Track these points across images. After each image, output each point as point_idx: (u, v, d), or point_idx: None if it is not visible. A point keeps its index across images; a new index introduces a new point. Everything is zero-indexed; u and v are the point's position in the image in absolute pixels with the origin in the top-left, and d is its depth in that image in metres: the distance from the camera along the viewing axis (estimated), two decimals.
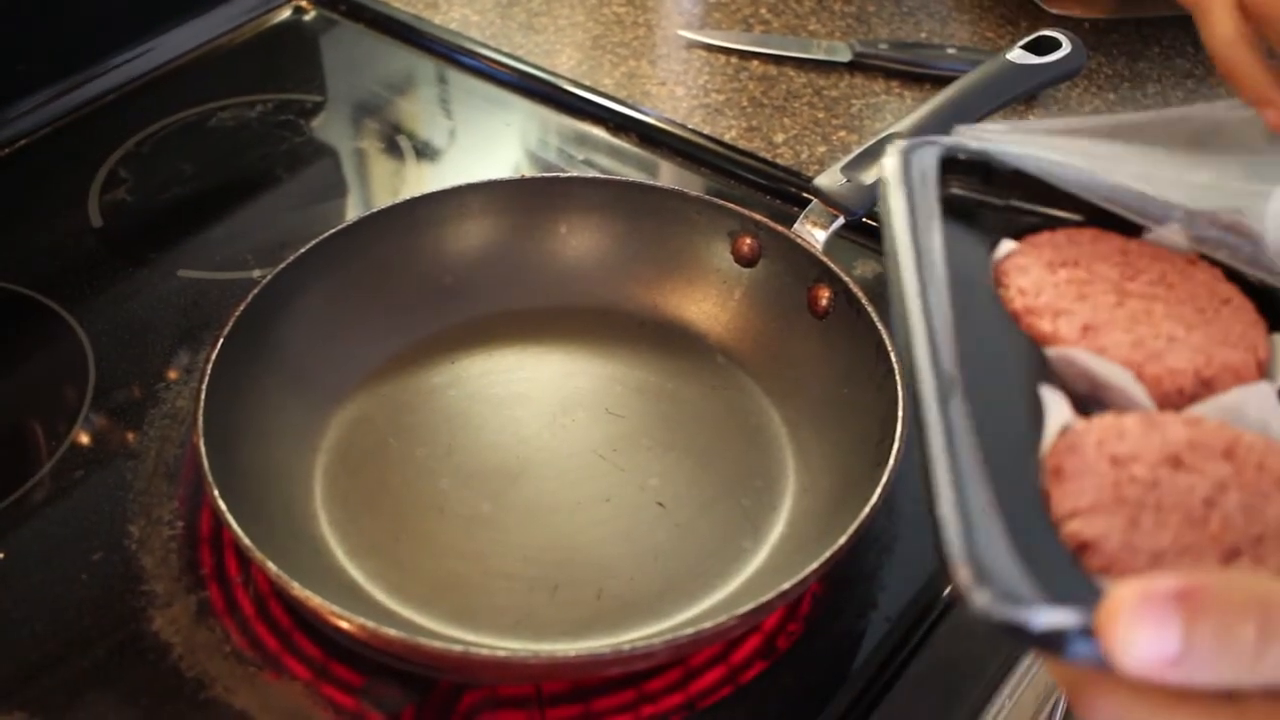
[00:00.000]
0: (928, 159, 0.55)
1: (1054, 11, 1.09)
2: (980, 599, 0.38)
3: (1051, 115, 1.02)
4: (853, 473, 0.70)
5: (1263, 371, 0.53)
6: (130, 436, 0.77)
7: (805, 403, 0.77)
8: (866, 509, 0.64)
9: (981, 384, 0.46)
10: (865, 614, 0.69)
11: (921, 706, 0.66)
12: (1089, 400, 0.51)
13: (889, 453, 0.66)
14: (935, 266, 0.50)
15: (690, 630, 0.59)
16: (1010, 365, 0.50)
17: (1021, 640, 0.38)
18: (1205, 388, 0.51)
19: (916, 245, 0.50)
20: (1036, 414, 0.48)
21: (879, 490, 0.64)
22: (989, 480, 0.43)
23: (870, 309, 0.74)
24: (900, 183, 0.53)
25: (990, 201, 0.58)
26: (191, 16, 1.10)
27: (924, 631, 0.68)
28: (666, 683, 0.65)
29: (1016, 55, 0.85)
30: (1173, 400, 0.51)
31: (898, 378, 0.70)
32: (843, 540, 0.62)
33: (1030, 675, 0.70)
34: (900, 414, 0.68)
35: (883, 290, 0.77)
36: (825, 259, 0.78)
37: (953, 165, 0.56)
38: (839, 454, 0.73)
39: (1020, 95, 0.87)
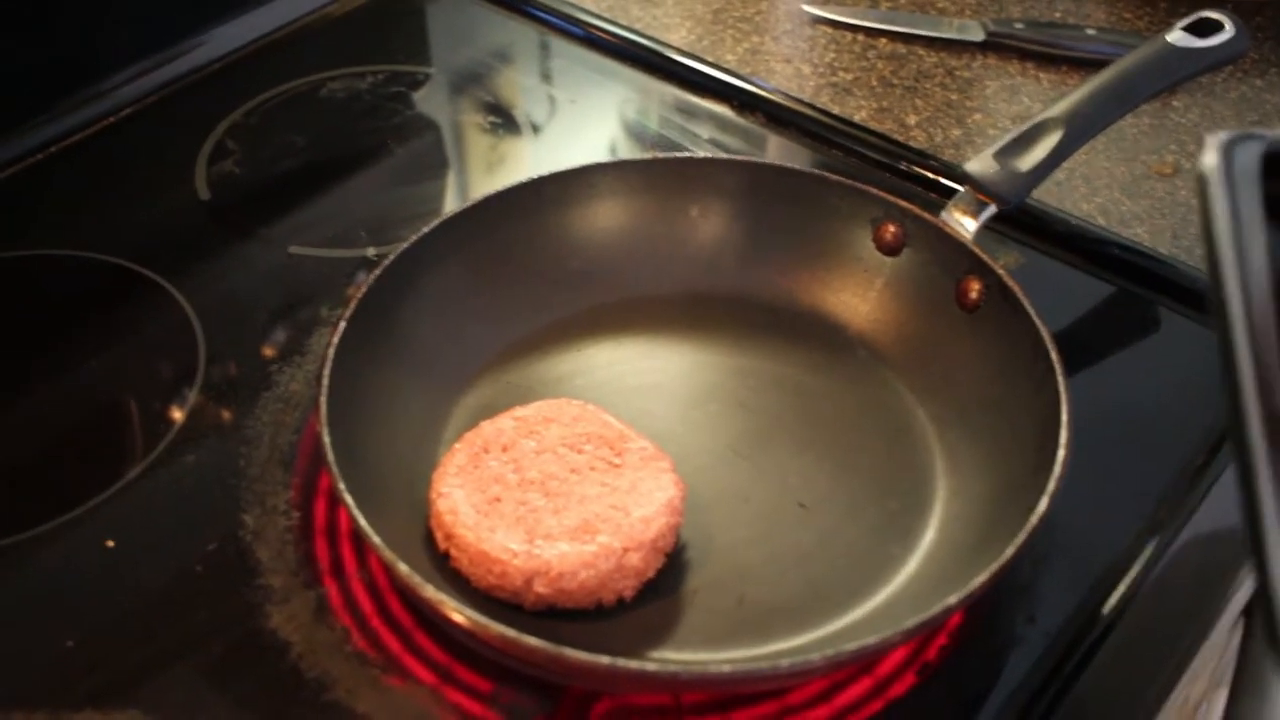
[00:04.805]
0: (1249, 155, 0.51)
1: None
2: None
3: (1196, 101, 0.97)
4: (1009, 477, 0.66)
5: None
6: (242, 419, 0.73)
7: (953, 401, 0.72)
8: (1035, 517, 0.60)
9: None
10: (1021, 628, 0.65)
11: None
12: None
13: (1053, 458, 0.62)
14: (1260, 287, 0.46)
15: (852, 646, 0.55)
16: None
17: None
18: None
19: (1241, 261, 0.46)
20: None
21: (1045, 498, 0.60)
22: None
23: (1026, 303, 0.70)
24: (1223, 183, 0.49)
25: None
26: None
27: (1085, 650, 0.63)
28: (810, 695, 0.62)
29: (1177, 38, 0.80)
30: None
31: (1059, 377, 0.66)
32: (1010, 550, 0.59)
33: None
34: (1064, 417, 0.63)
35: (1035, 282, 0.72)
36: (976, 249, 0.73)
37: (1275, 163, 0.52)
38: (992, 456, 0.68)
39: (1180, 80, 0.82)
